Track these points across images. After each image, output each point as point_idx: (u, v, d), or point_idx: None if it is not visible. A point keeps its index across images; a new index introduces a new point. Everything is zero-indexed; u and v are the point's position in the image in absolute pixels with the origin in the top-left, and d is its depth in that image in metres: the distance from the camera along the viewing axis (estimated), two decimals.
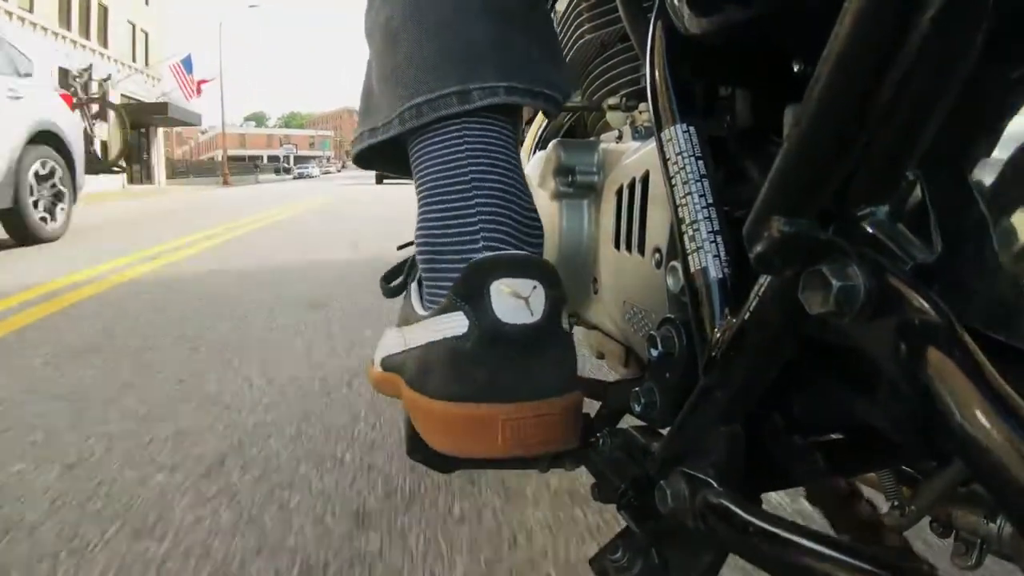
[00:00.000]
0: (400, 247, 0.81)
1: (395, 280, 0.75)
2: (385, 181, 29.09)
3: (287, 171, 60.44)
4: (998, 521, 0.56)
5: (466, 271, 0.57)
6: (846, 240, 0.33)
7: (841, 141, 0.32)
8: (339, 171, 79.20)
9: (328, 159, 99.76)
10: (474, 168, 0.63)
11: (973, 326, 0.32)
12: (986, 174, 0.35)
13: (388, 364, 0.66)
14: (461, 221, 0.62)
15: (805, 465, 0.50)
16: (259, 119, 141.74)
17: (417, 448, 0.62)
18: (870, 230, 0.34)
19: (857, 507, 0.63)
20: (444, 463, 0.64)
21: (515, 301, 0.55)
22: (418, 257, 0.66)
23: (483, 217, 0.62)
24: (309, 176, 53.72)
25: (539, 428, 0.55)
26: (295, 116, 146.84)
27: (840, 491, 0.65)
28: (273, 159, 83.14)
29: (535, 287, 0.56)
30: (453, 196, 0.63)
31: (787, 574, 0.39)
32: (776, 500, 1.15)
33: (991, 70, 0.34)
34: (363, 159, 0.76)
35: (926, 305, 0.31)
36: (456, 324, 0.56)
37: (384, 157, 0.74)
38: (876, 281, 0.32)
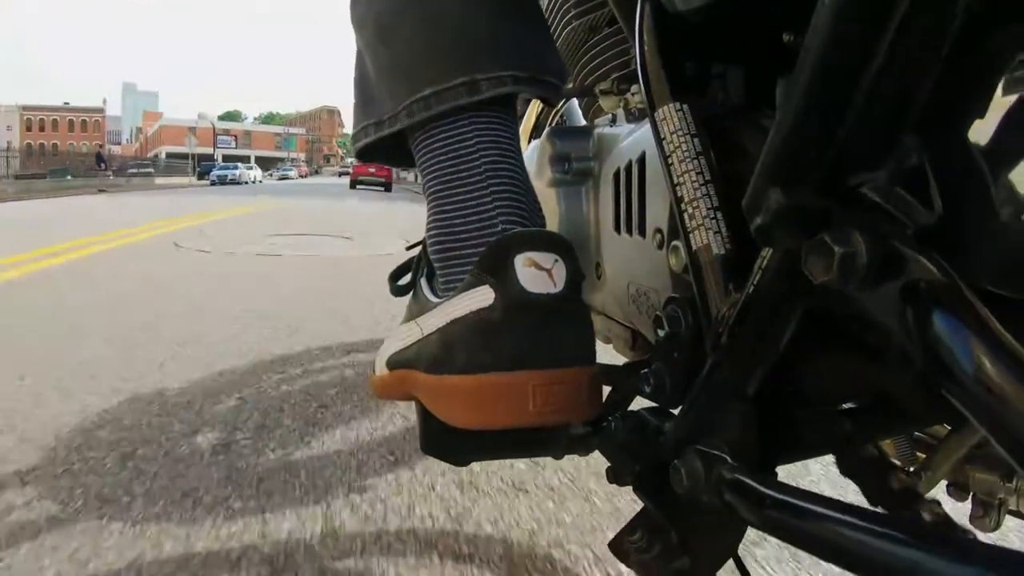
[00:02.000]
0: (409, 247, 0.82)
1: (402, 278, 0.75)
2: (358, 186, 27.17)
3: (206, 175, 41.26)
4: (1015, 481, 0.56)
5: (491, 246, 0.58)
6: (846, 207, 0.33)
7: (835, 109, 0.32)
8: (304, 176, 65.88)
9: (293, 161, 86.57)
10: (485, 159, 0.64)
11: (978, 284, 0.32)
12: (983, 132, 0.35)
13: (396, 361, 0.66)
14: (477, 209, 0.63)
15: (818, 436, 0.50)
16: (234, 117, 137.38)
17: (432, 442, 0.63)
18: (870, 196, 0.34)
19: (889, 475, 0.63)
20: (460, 455, 0.65)
21: (539, 273, 0.56)
22: (432, 248, 0.66)
23: (499, 203, 0.63)
24: (236, 182, 36.68)
25: (568, 395, 0.57)
26: (274, 116, 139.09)
27: (871, 461, 0.65)
28: (232, 159, 67.50)
29: (556, 260, 0.57)
30: (468, 186, 0.64)
31: (806, 544, 0.39)
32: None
33: (982, 29, 0.34)
34: (365, 154, 0.76)
35: (929, 266, 0.31)
36: (482, 297, 0.57)
37: (386, 150, 0.75)
38: (878, 246, 0.32)
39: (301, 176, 65.62)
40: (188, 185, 30.75)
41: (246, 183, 37.39)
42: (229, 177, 37.73)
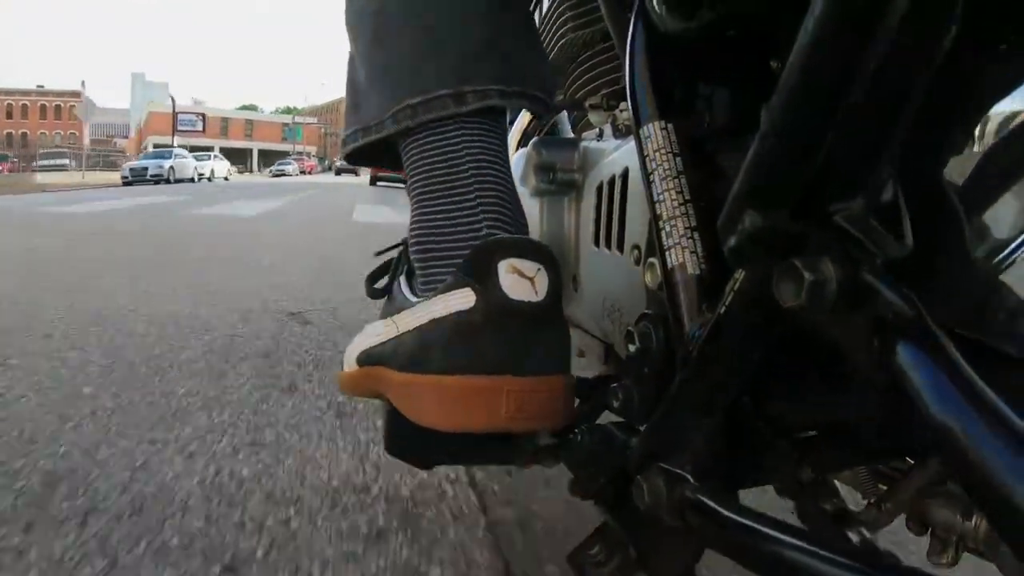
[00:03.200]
0: (377, 253, 0.81)
1: (380, 280, 0.75)
2: (379, 183, 22.93)
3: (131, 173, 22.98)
4: (974, 519, 0.57)
5: (476, 249, 0.59)
6: (819, 234, 0.33)
7: (813, 136, 0.32)
8: (308, 172, 54.38)
9: (299, 155, 69.10)
10: (473, 165, 0.65)
11: (944, 323, 0.32)
12: (959, 170, 0.36)
13: (368, 357, 0.65)
14: (464, 212, 0.64)
15: (782, 462, 0.50)
16: (250, 111, 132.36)
17: (397, 443, 0.62)
18: (843, 225, 0.34)
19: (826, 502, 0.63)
20: (425, 457, 0.64)
21: (521, 280, 0.56)
22: (414, 249, 0.66)
23: (484, 208, 0.63)
24: (163, 179, 22.63)
25: (541, 402, 0.57)
26: (292, 110, 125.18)
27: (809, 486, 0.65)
28: (232, 153, 57.79)
29: (539, 269, 0.58)
30: (455, 190, 0.64)
31: (763, 568, 0.39)
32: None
33: (962, 67, 0.34)
34: (354, 157, 0.76)
35: (897, 299, 0.31)
36: (463, 299, 0.57)
37: (375, 154, 0.75)
38: (848, 275, 0.32)
39: (304, 172, 54.06)
40: (77, 186, 16.57)
41: (190, 180, 24.58)
42: (151, 173, 23.12)
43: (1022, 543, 0.27)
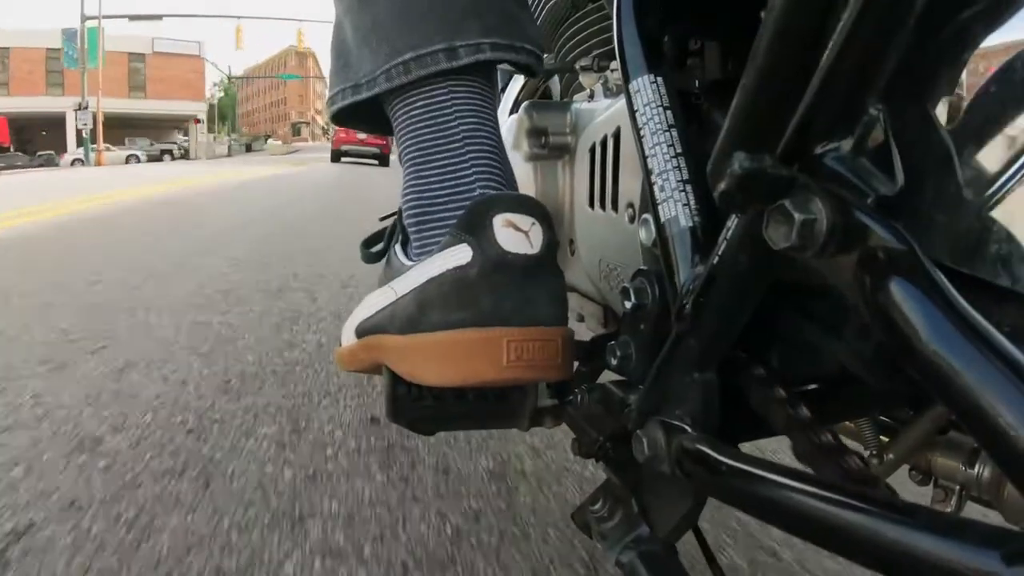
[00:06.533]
0: (382, 218, 0.81)
1: (376, 246, 0.75)
2: (344, 159, 20.19)
3: None
4: (976, 467, 0.57)
5: (470, 206, 0.59)
6: (809, 175, 0.33)
7: (799, 75, 0.32)
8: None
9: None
10: (463, 125, 0.65)
11: (937, 259, 0.32)
12: (949, 107, 0.35)
13: (366, 327, 0.65)
14: (456, 173, 0.64)
15: (782, 415, 0.50)
16: None
17: (399, 410, 0.62)
18: (832, 165, 0.34)
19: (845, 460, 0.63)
20: (427, 423, 0.65)
21: (516, 233, 0.57)
22: (408, 213, 0.66)
23: (477, 169, 0.64)
24: None
25: (542, 352, 0.57)
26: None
27: (824, 444, 0.65)
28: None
29: (533, 223, 0.58)
30: (446, 152, 0.64)
31: (763, 513, 0.39)
32: None
33: (951, 3, 0.34)
34: (340, 117, 0.75)
35: (889, 236, 0.31)
36: (460, 255, 0.57)
37: (362, 115, 0.75)
38: (838, 214, 0.32)
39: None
40: None
41: None
42: None
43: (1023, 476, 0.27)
